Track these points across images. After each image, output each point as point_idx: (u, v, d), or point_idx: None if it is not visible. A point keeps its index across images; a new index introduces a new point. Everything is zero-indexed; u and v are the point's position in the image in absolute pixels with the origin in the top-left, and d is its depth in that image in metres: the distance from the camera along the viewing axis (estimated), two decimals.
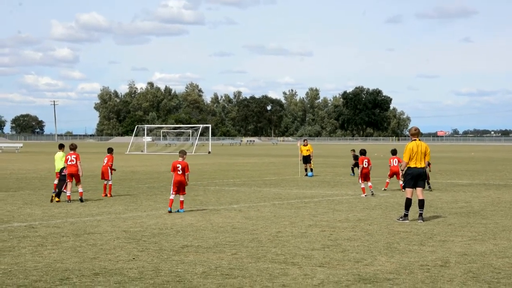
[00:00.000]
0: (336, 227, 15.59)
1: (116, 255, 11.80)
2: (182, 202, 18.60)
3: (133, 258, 11.48)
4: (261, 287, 9.44)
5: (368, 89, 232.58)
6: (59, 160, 22.13)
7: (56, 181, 22.32)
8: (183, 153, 19.01)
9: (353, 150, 36.75)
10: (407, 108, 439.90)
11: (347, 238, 13.85)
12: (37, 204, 20.13)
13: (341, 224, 16.13)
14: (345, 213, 18.34)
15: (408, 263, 11.20)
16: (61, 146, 22.72)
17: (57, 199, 20.93)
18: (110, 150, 23.79)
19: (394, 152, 26.48)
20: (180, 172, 18.48)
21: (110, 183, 23.12)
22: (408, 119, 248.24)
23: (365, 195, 23.10)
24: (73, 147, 21.58)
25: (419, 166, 16.68)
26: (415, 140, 16.84)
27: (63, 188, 21.26)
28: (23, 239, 13.44)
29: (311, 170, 35.70)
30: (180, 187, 18.51)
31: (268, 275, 10.19)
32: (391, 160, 26.17)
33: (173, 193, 18.57)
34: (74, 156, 21.27)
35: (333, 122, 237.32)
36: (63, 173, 21.41)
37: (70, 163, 21.19)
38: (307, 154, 35.92)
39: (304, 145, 36.42)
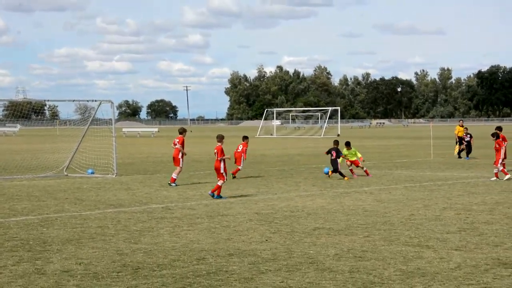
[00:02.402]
0: (472, 210, 15.07)
1: (249, 236, 12.01)
2: (218, 187, 17.62)
3: (266, 240, 11.64)
4: (395, 270, 9.30)
5: (505, 67, 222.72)
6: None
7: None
8: (221, 138, 18.12)
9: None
10: None
11: (484, 222, 13.36)
12: (173, 187, 20.84)
13: (477, 207, 15.58)
14: (481, 196, 17.70)
15: None
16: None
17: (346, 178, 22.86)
18: (245, 138, 24.57)
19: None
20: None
21: (240, 167, 23.75)
22: None
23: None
24: (180, 131, 22.17)
25: None
26: None
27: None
28: (161, 220, 13.97)
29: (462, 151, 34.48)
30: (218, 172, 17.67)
31: (402, 258, 10.03)
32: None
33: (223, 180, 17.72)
34: (177, 140, 21.91)
35: (466, 103, 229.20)
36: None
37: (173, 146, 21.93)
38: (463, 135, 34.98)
39: (460, 126, 35.51)
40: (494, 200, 16.84)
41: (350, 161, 24.26)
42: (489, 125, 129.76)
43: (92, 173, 25.53)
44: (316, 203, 16.65)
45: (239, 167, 23.78)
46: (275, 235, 12.13)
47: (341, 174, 23.29)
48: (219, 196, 17.54)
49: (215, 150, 17.85)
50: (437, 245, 10.99)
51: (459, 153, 34.15)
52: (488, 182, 21.43)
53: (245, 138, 24.65)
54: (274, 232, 12.45)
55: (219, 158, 17.64)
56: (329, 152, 23.83)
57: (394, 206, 15.92)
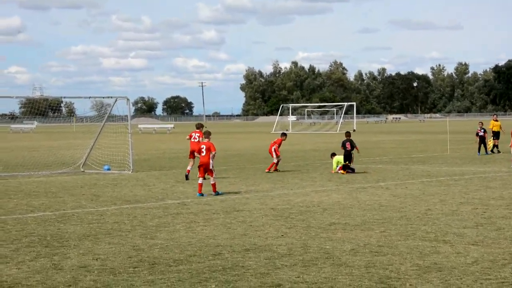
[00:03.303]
0: (490, 204, 14.98)
1: (265, 231, 12.01)
2: (213, 185, 17.50)
3: (282, 235, 11.63)
4: (412, 264, 9.27)
5: None
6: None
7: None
8: (208, 134, 17.97)
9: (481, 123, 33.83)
10: None
11: (502, 216, 13.27)
12: (188, 183, 20.90)
13: (494, 201, 15.48)
14: (499, 191, 17.58)
15: None
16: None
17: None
18: (283, 134, 26.09)
19: None
20: (204, 154, 17.47)
21: (274, 160, 24.50)
22: None
23: None
24: (198, 126, 22.60)
25: None
26: None
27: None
28: (177, 216, 14.01)
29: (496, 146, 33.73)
30: (206, 170, 17.48)
31: (419, 253, 9.98)
32: None
33: (200, 177, 17.53)
34: (198, 134, 22.09)
35: (483, 97, 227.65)
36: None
37: (193, 140, 22.24)
38: (498, 130, 34.24)
39: (494, 120, 34.93)
40: None
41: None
42: (507, 120, 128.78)
43: (109, 169, 25.64)
44: (332, 198, 16.62)
45: (274, 160, 24.67)
46: (291, 230, 12.12)
47: (351, 168, 23.34)
48: (217, 193, 17.43)
49: (203, 146, 17.57)
50: (454, 240, 10.93)
51: (492, 149, 33.41)
52: (505, 177, 21.28)
53: (283, 135, 25.99)
54: (290, 227, 12.44)
55: (212, 153, 17.40)
56: (343, 144, 23.76)
57: (411, 201, 15.85)
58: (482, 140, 32.69)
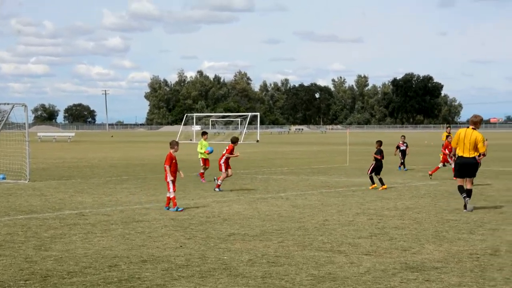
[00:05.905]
0: (384, 215, 15.46)
1: (163, 242, 11.93)
2: (168, 198, 16.54)
3: (181, 246, 11.59)
4: (307, 275, 9.43)
5: (419, 75, 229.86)
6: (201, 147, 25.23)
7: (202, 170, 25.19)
8: (173, 144, 16.77)
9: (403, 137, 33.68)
10: (460, 95, 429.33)
11: (395, 227, 13.72)
12: (87, 192, 20.49)
13: (389, 212, 15.98)
14: (393, 202, 18.17)
15: (457, 252, 11.04)
16: (204, 134, 25.81)
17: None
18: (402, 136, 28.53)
19: None
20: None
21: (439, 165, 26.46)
22: (460, 106, 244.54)
23: None
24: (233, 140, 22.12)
25: (465, 156, 16.13)
26: (467, 127, 16.44)
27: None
28: (74, 227, 13.70)
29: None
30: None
31: (314, 263, 10.17)
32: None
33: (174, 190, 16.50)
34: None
35: (382, 110, 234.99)
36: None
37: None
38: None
39: (447, 133, 35.32)
40: (405, 205, 17.33)
41: (203, 159, 25.21)
42: (404, 132, 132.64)
43: (3, 178, 24.78)
44: (233, 208, 16.70)
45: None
46: (190, 241, 12.09)
47: (381, 180, 21.63)
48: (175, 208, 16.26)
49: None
50: (349, 250, 11.21)
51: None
52: (400, 188, 22.01)
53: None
54: (189, 238, 12.41)
55: (165, 166, 16.41)
56: (380, 153, 21.87)
57: (309, 211, 16.14)
58: (403, 154, 32.04)
